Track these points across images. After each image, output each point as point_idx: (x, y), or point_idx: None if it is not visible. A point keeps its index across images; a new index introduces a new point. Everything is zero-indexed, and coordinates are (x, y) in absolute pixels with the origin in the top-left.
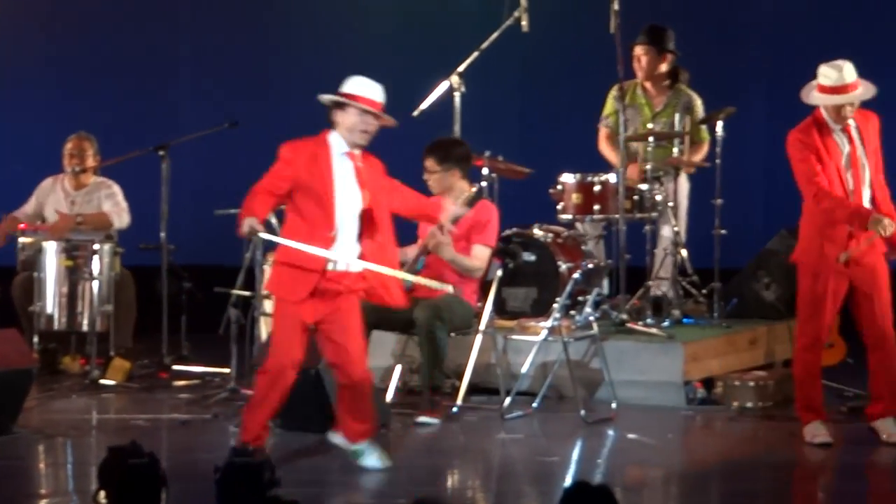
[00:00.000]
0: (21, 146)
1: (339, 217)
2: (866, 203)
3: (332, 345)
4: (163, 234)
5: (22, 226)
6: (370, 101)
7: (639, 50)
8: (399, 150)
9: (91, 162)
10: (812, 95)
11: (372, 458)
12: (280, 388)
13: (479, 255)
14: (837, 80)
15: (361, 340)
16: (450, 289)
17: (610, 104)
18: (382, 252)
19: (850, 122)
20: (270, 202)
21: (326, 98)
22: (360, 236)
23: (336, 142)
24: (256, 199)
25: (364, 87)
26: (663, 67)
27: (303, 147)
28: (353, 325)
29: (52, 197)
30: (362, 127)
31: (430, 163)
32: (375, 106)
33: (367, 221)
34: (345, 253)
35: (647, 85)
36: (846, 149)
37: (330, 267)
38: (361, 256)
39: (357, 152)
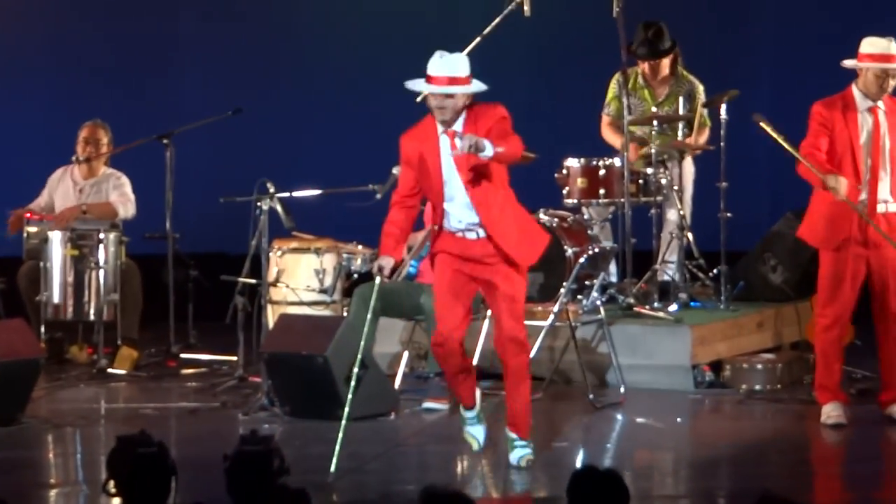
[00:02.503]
0: (23, 137)
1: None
2: (885, 189)
3: None
4: (168, 223)
5: (27, 215)
6: (430, 77)
7: (640, 60)
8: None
9: (104, 151)
10: (857, 62)
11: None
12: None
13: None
14: (885, 49)
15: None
16: None
17: (612, 92)
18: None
19: (880, 104)
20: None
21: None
22: (476, 207)
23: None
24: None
25: (430, 64)
26: (665, 64)
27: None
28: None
29: (61, 187)
30: (435, 104)
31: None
32: (436, 81)
33: (474, 192)
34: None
35: (648, 74)
36: (868, 129)
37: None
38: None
39: (454, 128)
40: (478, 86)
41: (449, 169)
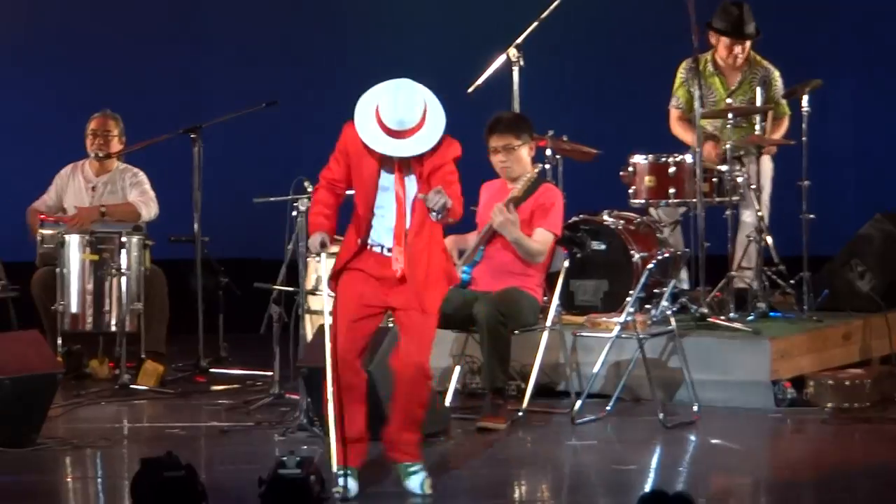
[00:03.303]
0: (36, 130)
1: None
2: None
3: None
4: (196, 225)
5: (41, 216)
6: (387, 129)
7: (719, 40)
8: (450, 129)
9: (116, 145)
10: None
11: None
12: None
13: (542, 239)
14: None
15: None
16: None
17: (679, 80)
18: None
19: None
20: None
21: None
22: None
23: None
24: None
25: (384, 111)
26: (744, 48)
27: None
28: None
29: (72, 185)
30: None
31: (506, 139)
32: (394, 136)
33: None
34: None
35: (724, 58)
36: None
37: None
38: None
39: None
40: (435, 128)
41: (387, 181)
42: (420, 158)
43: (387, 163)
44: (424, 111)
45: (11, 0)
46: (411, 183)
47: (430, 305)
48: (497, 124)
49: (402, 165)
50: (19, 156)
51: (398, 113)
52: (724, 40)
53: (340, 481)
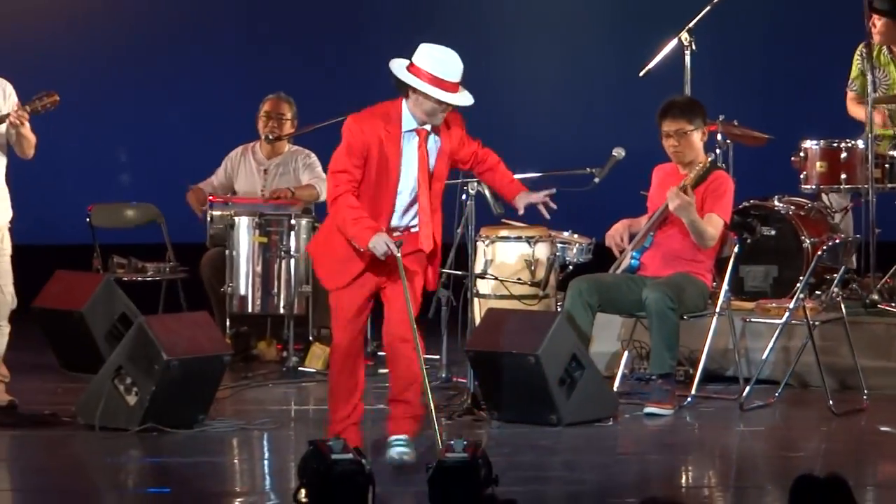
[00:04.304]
0: (207, 111)
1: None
2: None
3: None
4: None
5: (211, 197)
6: (443, 83)
7: (874, 17)
8: (622, 113)
9: (288, 128)
10: None
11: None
12: None
13: (714, 223)
14: None
15: None
16: None
17: (856, 67)
18: None
19: None
20: None
21: (397, 71)
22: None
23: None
24: None
25: (440, 64)
26: (880, 24)
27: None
28: None
29: (244, 167)
30: (431, 109)
31: (678, 124)
32: (452, 90)
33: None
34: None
35: (882, 34)
36: None
37: None
38: None
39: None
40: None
41: (408, 165)
42: (442, 131)
43: (409, 142)
44: None
45: None
46: (431, 158)
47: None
48: (670, 109)
49: (423, 141)
50: (191, 137)
51: (454, 66)
52: (876, 21)
53: None
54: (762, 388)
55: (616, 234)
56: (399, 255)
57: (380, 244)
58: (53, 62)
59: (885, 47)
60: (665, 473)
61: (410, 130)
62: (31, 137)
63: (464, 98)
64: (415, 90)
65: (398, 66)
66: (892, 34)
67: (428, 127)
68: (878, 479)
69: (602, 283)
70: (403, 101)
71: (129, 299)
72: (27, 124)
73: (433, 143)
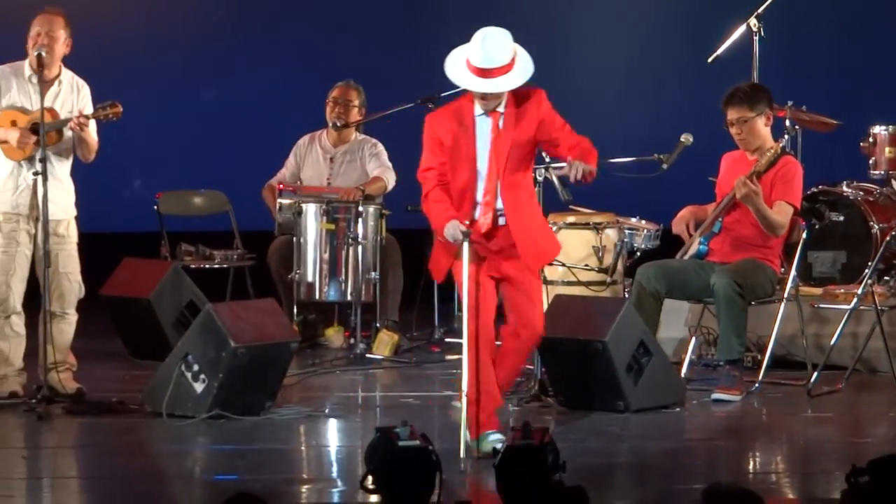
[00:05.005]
0: (277, 98)
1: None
2: None
3: None
4: None
5: (279, 185)
6: (476, 69)
7: None
8: (690, 99)
9: (356, 115)
10: None
11: None
12: None
13: (783, 210)
14: None
15: None
16: None
17: None
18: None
19: None
20: None
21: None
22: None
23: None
24: None
25: (473, 51)
26: None
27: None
28: None
29: (310, 156)
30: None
31: (740, 112)
32: (483, 75)
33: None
34: None
35: None
36: None
37: None
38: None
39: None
40: (524, 70)
41: (483, 154)
42: (515, 120)
43: (482, 127)
44: (514, 56)
45: None
46: (506, 140)
47: (535, 261)
48: (732, 97)
49: (495, 125)
50: (259, 125)
51: (486, 51)
52: None
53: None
54: (830, 373)
55: (682, 220)
56: (465, 242)
57: (450, 231)
58: (126, 51)
59: None
60: (732, 459)
61: (482, 114)
62: (93, 143)
63: (488, 84)
64: None
65: (452, 54)
66: None
67: (501, 109)
68: None
69: (669, 269)
70: None
71: (196, 287)
72: (89, 130)
73: (509, 125)
